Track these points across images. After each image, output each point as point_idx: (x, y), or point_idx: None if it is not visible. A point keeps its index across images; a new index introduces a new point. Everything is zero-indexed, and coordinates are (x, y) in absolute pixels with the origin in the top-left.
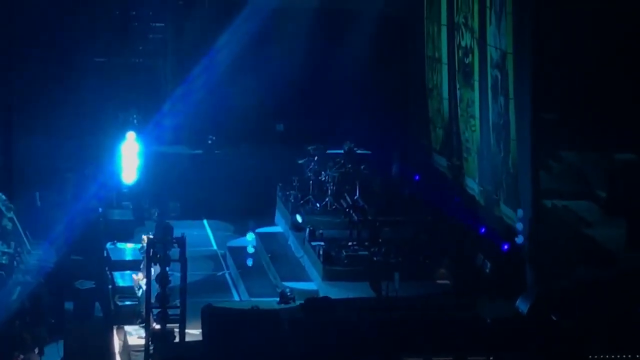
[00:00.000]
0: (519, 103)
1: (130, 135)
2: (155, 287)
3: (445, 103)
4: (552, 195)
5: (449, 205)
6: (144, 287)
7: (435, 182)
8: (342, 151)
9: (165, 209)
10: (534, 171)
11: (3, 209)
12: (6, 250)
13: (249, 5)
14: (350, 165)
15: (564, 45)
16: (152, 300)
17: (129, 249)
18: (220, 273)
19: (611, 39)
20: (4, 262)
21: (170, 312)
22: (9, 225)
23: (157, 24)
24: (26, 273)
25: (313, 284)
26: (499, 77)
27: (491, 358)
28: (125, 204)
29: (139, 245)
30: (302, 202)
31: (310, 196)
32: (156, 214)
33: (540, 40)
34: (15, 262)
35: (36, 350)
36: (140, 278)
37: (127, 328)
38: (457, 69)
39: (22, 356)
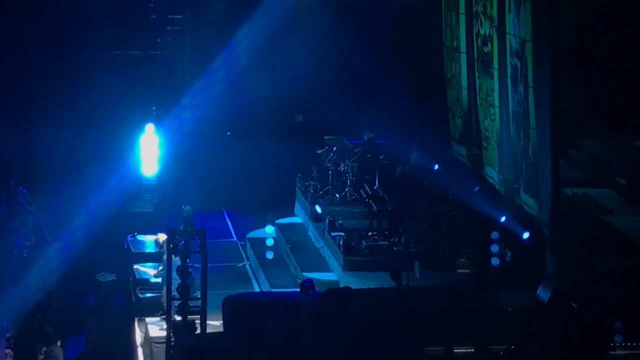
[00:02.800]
0: (539, 91)
1: (150, 128)
2: (176, 279)
3: (464, 92)
4: (572, 183)
5: (469, 195)
6: (159, 280)
7: (454, 172)
8: (361, 141)
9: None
10: (554, 159)
11: (23, 202)
12: (27, 243)
13: None
14: (369, 155)
15: (583, 33)
16: (173, 292)
17: (149, 241)
18: (241, 264)
19: (630, 26)
20: (24, 255)
21: (191, 303)
22: (29, 219)
23: (175, 16)
24: (47, 266)
25: (333, 274)
26: (519, 65)
27: (512, 347)
28: (145, 197)
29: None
30: (321, 192)
31: (330, 186)
32: (187, 209)
33: (559, 28)
34: (36, 255)
35: (58, 343)
36: (154, 273)
37: (148, 320)
38: (476, 57)
39: (44, 349)
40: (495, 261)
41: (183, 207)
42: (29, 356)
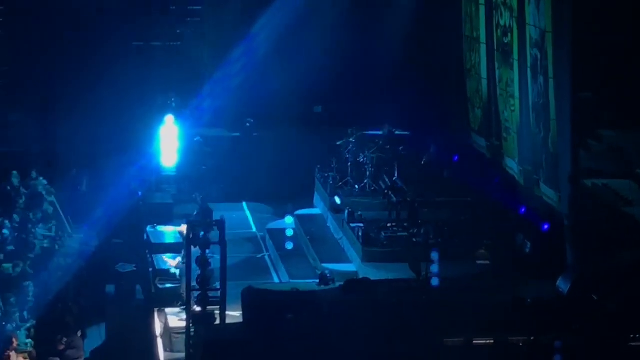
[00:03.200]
0: (559, 82)
1: (169, 119)
2: (196, 270)
3: (484, 83)
4: (592, 174)
5: (489, 186)
6: (177, 272)
7: (474, 163)
8: (380, 132)
9: (206, 192)
10: (574, 150)
11: (44, 193)
12: (47, 234)
13: None
14: (388, 147)
15: (603, 24)
16: (193, 283)
17: (168, 232)
18: (260, 255)
19: None
20: (45, 245)
21: (210, 294)
22: (50, 209)
23: (195, 7)
24: (67, 256)
25: (352, 265)
26: (539, 56)
27: (532, 339)
28: (164, 187)
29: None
30: (340, 183)
31: (349, 178)
32: (199, 198)
33: (579, 19)
34: (56, 246)
35: (79, 333)
36: (174, 264)
37: (168, 310)
38: (495, 48)
39: (65, 339)
40: (515, 252)
41: (193, 195)
42: (50, 346)
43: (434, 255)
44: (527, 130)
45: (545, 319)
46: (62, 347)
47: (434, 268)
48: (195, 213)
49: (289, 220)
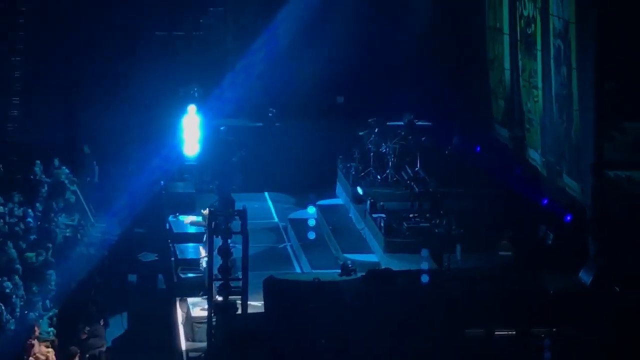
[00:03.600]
0: (582, 73)
1: (192, 109)
2: (218, 259)
3: (507, 73)
4: (616, 166)
5: (511, 177)
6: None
7: (496, 153)
8: (402, 123)
9: (227, 182)
10: (597, 142)
11: (66, 182)
12: (70, 222)
13: None
14: (410, 137)
15: (627, 15)
16: (215, 273)
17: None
18: (282, 245)
19: None
20: (68, 234)
21: (232, 284)
22: (73, 198)
23: None
24: (90, 246)
25: (374, 256)
26: (562, 47)
27: (554, 330)
28: (187, 177)
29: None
30: (362, 174)
31: (371, 168)
32: (214, 186)
33: (603, 10)
34: (79, 235)
35: (101, 322)
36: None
37: (190, 300)
38: (519, 39)
39: (87, 328)
40: (537, 244)
41: (211, 185)
42: (72, 335)
43: (457, 247)
44: (550, 121)
45: (567, 311)
46: (84, 336)
47: (456, 259)
48: (215, 202)
49: (311, 210)
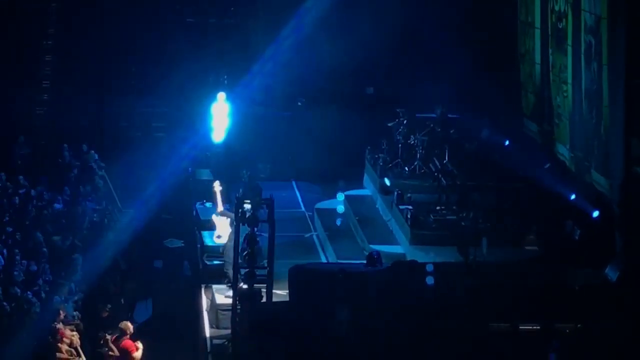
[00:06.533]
0: (613, 69)
1: (221, 96)
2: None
3: (537, 68)
4: None
5: (539, 171)
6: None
7: (525, 148)
8: (431, 115)
9: (255, 170)
10: (626, 138)
11: (95, 167)
12: (97, 207)
13: None
14: (439, 129)
15: None
16: (240, 260)
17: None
18: (308, 235)
19: None
20: (95, 219)
21: (257, 272)
22: (100, 184)
23: None
24: (117, 231)
25: (400, 247)
26: (593, 42)
27: (579, 326)
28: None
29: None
30: (390, 165)
31: (399, 159)
32: (246, 175)
33: (635, 6)
34: (106, 220)
35: (127, 309)
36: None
37: (215, 287)
38: (550, 33)
39: (109, 305)
40: (564, 239)
41: (242, 172)
42: (96, 318)
43: (483, 240)
44: (579, 117)
45: (592, 306)
46: (105, 314)
47: (482, 252)
48: (241, 191)
49: (340, 197)
